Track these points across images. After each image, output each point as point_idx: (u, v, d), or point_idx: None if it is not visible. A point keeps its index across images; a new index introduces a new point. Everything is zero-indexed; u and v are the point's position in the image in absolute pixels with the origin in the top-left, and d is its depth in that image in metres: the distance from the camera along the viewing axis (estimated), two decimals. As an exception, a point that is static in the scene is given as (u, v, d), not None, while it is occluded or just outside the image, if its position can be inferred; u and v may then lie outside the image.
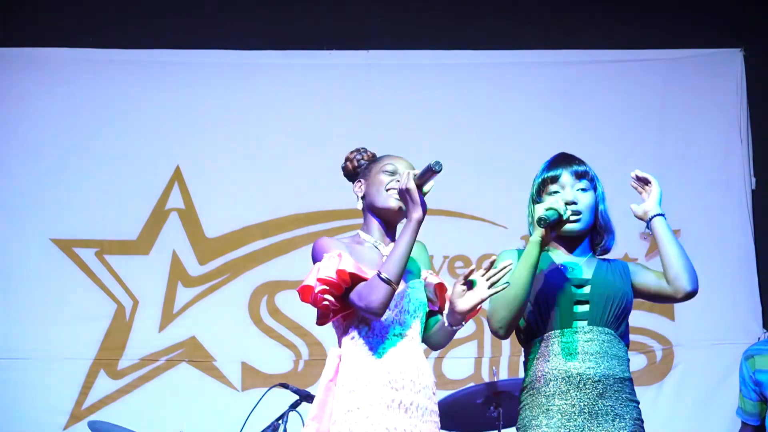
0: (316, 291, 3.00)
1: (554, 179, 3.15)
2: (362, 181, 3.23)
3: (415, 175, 3.03)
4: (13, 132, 5.71)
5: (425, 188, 3.03)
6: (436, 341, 3.20)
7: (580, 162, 3.20)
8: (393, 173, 3.16)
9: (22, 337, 5.50)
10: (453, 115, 5.89)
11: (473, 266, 3.04)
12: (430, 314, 3.23)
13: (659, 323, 5.74)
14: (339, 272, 2.98)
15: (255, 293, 5.69)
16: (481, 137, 5.85)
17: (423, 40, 5.94)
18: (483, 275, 3.00)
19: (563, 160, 3.20)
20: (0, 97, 5.74)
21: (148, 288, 5.64)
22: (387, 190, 3.14)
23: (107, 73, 5.78)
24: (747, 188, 5.89)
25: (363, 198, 3.22)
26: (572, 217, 3.10)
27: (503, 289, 2.98)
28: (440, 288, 3.23)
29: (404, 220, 3.07)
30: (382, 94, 5.89)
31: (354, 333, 3.09)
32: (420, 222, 3.02)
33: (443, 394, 4.75)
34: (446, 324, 3.08)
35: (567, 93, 5.95)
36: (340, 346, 3.13)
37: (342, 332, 3.13)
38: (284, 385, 4.15)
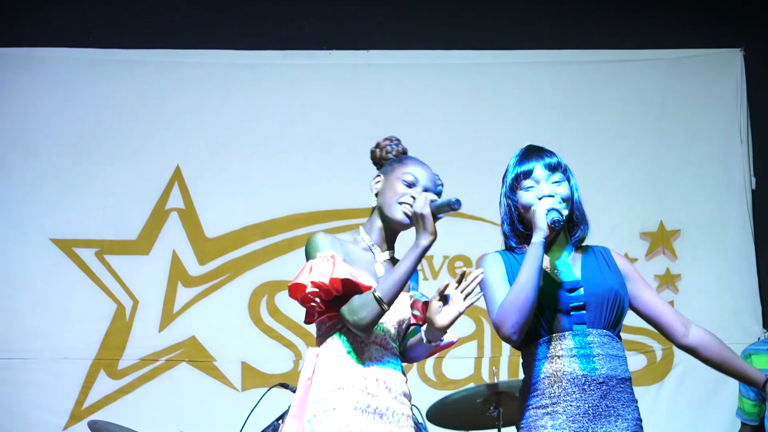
0: (306, 291, 3.00)
1: (527, 174, 3.10)
2: (381, 177, 3.21)
3: (432, 202, 3.01)
4: (13, 132, 5.71)
5: (438, 215, 3.03)
6: (413, 355, 3.20)
7: (551, 153, 3.14)
8: (411, 185, 3.13)
9: (22, 337, 5.50)
10: (453, 114, 5.89)
11: (447, 282, 3.01)
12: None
13: (659, 323, 5.74)
14: (332, 281, 2.97)
15: (255, 293, 5.69)
16: (481, 137, 5.85)
17: (423, 40, 5.95)
18: (456, 288, 2.99)
19: (534, 153, 3.14)
20: (0, 97, 5.74)
21: (148, 288, 5.64)
22: (400, 203, 3.12)
23: (107, 73, 5.78)
24: (747, 188, 5.89)
25: (376, 195, 3.20)
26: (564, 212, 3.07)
27: (477, 299, 2.98)
28: (425, 306, 3.22)
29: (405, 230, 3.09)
30: (382, 94, 5.89)
31: (336, 335, 3.09)
32: (426, 249, 3.01)
33: (444, 394, 4.76)
34: (424, 341, 3.08)
35: (567, 93, 5.95)
36: (318, 344, 3.12)
37: (324, 332, 3.12)
38: (284, 385, 4.14)
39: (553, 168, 3.10)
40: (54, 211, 5.65)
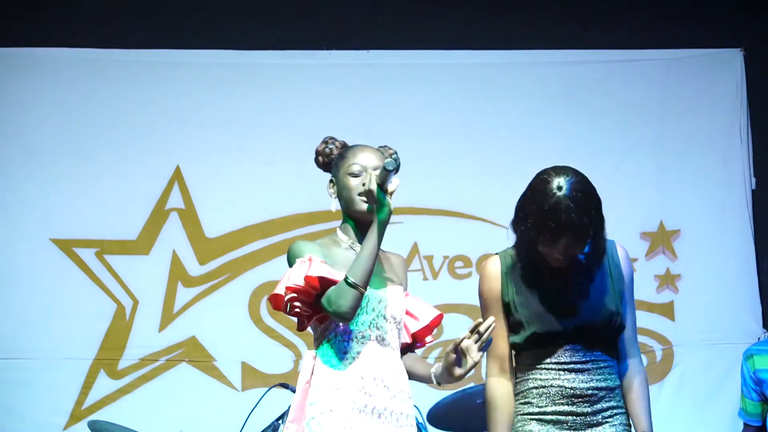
0: (285, 299, 3.02)
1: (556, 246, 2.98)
2: (333, 181, 3.24)
3: (377, 176, 3.03)
4: (13, 132, 5.71)
5: (390, 188, 3.03)
6: (411, 377, 3.22)
7: (586, 231, 2.94)
8: (358, 174, 3.16)
9: (22, 337, 5.50)
10: (453, 115, 5.88)
11: (465, 335, 3.04)
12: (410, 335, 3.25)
13: (659, 323, 5.74)
14: (307, 279, 3.00)
15: (255, 293, 5.69)
16: (481, 137, 5.85)
17: (423, 40, 5.94)
18: (469, 338, 3.03)
19: (568, 229, 2.91)
20: (0, 97, 5.74)
21: (148, 288, 5.64)
22: (359, 194, 3.13)
23: (107, 73, 5.77)
24: (747, 188, 5.89)
25: (339, 199, 3.22)
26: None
27: (489, 345, 3.04)
28: (437, 319, 3.26)
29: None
30: (382, 94, 5.89)
31: (330, 336, 3.10)
32: (384, 223, 3.03)
33: (444, 394, 4.75)
34: (435, 382, 3.15)
35: (567, 93, 5.94)
36: (316, 348, 3.13)
37: (319, 335, 3.13)
38: (284, 385, 4.14)
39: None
40: (54, 211, 5.64)
